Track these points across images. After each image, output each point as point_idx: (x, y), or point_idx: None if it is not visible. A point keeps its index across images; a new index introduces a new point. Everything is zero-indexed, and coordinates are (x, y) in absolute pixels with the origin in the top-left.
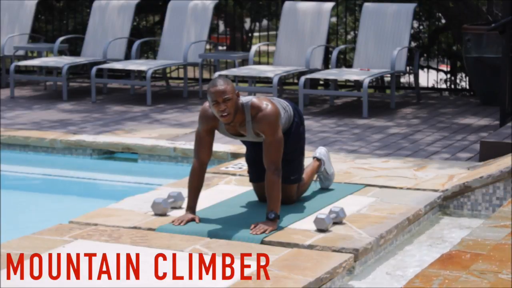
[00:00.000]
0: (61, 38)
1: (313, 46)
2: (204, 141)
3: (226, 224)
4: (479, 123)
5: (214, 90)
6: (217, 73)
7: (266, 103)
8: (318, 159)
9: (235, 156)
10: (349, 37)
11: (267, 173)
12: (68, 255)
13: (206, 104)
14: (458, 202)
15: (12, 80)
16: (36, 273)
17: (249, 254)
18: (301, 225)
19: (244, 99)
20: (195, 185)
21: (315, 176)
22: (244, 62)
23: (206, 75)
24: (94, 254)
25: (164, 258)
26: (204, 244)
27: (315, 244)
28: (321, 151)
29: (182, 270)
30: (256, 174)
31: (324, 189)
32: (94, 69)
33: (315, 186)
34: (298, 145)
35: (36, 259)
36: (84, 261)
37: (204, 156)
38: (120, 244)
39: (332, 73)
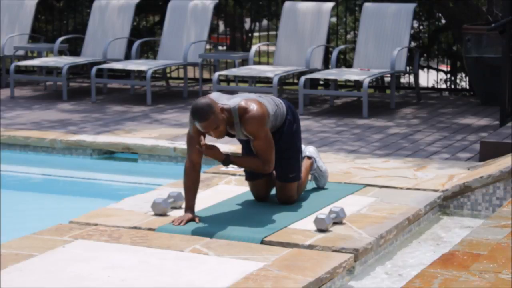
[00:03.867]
0: (61, 38)
1: (313, 46)
2: (194, 141)
3: (226, 224)
4: (479, 123)
5: (201, 126)
6: (216, 73)
7: (252, 104)
8: (309, 157)
9: None
10: (349, 37)
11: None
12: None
13: None
14: (458, 202)
15: (12, 80)
16: (35, 273)
17: (249, 254)
18: (301, 225)
19: (231, 102)
20: (190, 185)
21: (310, 175)
22: (244, 62)
23: (206, 75)
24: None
25: (164, 258)
26: (204, 244)
27: (315, 244)
28: (310, 149)
29: (182, 270)
30: (251, 172)
31: (324, 189)
32: (94, 69)
33: (311, 185)
34: (292, 143)
35: (35, 259)
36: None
37: (195, 156)
38: (120, 244)
39: (332, 73)
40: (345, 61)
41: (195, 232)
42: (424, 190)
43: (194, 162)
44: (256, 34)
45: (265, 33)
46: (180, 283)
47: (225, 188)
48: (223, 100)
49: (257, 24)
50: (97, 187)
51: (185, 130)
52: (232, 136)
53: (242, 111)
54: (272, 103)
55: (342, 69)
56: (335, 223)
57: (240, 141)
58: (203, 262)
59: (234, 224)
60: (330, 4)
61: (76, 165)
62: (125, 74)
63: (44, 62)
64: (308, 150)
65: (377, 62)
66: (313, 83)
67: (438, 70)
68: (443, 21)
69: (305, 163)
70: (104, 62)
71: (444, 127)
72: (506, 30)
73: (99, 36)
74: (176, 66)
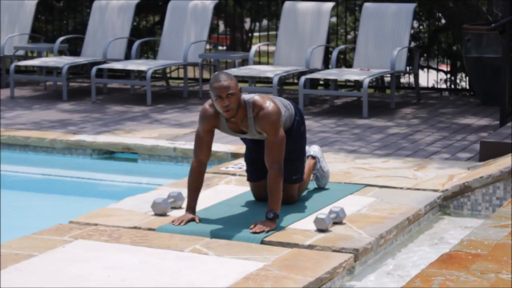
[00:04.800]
0: (61, 38)
1: (313, 46)
2: (203, 141)
3: (226, 224)
4: (479, 123)
5: (218, 86)
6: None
7: (268, 102)
8: (313, 157)
9: (235, 156)
10: (349, 37)
11: (269, 172)
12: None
13: (206, 104)
14: (458, 202)
15: (12, 80)
16: (35, 273)
17: (249, 254)
18: (301, 225)
19: (246, 96)
20: (195, 185)
21: (312, 175)
22: (244, 62)
23: (206, 75)
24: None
25: (164, 258)
26: (204, 244)
27: (315, 244)
28: (314, 149)
29: (182, 270)
30: (254, 173)
31: (324, 189)
32: (94, 69)
33: (312, 185)
34: (299, 145)
35: (35, 259)
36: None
37: (203, 156)
38: (120, 244)
39: (332, 73)
40: (345, 61)
41: (195, 232)
42: (424, 190)
43: (201, 162)
44: (256, 34)
45: (265, 33)
46: (180, 283)
47: (225, 188)
48: None
49: (257, 24)
50: (97, 187)
51: (185, 130)
52: (242, 132)
53: (258, 107)
54: (281, 104)
55: (342, 69)
56: (335, 223)
57: (245, 141)
58: (203, 262)
59: (234, 224)
60: (330, 4)
61: (76, 165)
62: (125, 74)
63: (44, 62)
64: (313, 149)
65: (377, 62)
66: (313, 83)
67: (438, 70)
68: (443, 21)
69: (308, 163)
70: (104, 62)
71: (444, 127)
72: (506, 30)
73: (99, 36)
74: (176, 66)
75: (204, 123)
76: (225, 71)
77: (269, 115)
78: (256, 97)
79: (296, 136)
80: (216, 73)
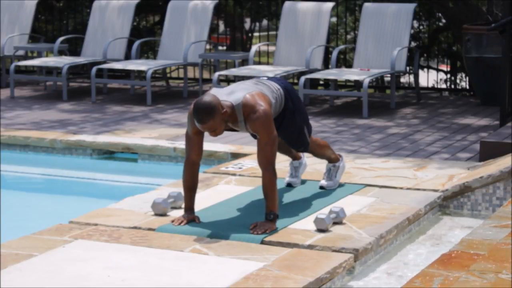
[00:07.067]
0: (61, 38)
1: (313, 46)
2: (193, 141)
3: (226, 224)
4: (479, 123)
5: (199, 126)
6: (216, 73)
7: (258, 102)
8: (340, 156)
9: (235, 156)
10: (349, 37)
11: (263, 173)
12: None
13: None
14: (458, 202)
15: (12, 80)
16: (35, 273)
17: (249, 254)
18: (301, 225)
19: (233, 98)
20: (190, 185)
21: (329, 166)
22: (244, 62)
23: (206, 75)
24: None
25: (164, 258)
26: (204, 244)
27: (315, 244)
28: (343, 161)
29: (182, 270)
30: None
31: (324, 189)
32: (94, 69)
33: (312, 185)
34: (292, 132)
35: (35, 259)
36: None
37: (194, 156)
38: (120, 244)
39: (332, 73)
40: (345, 61)
41: (195, 232)
42: (424, 190)
43: (193, 162)
44: (256, 34)
45: (265, 33)
46: (180, 283)
47: (225, 188)
48: (222, 96)
49: (257, 24)
50: (97, 187)
51: (185, 130)
52: (235, 131)
53: (247, 109)
54: (270, 90)
55: (342, 69)
56: (335, 223)
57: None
58: (203, 262)
59: (234, 224)
60: (330, 4)
61: (76, 165)
62: (125, 74)
63: (44, 62)
64: (342, 159)
65: (377, 62)
66: (313, 83)
67: (438, 70)
68: (443, 21)
69: (333, 149)
70: (104, 62)
71: (444, 127)
72: (506, 30)
73: (99, 36)
74: (176, 66)
75: (193, 124)
76: (204, 100)
77: (259, 117)
78: (247, 96)
79: (289, 120)
80: (195, 106)
